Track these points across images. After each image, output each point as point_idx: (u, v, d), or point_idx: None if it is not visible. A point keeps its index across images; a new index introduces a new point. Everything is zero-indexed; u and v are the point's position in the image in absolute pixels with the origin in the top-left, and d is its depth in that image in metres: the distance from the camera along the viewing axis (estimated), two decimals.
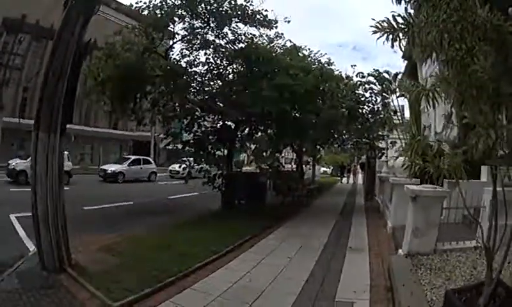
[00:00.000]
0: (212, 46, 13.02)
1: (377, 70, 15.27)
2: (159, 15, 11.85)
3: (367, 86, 15.25)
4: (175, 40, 13.34)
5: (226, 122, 14.18)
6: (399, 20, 2.82)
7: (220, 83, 14.14)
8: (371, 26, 3.23)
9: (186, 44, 13.40)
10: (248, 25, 12.50)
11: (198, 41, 13.04)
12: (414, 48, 2.90)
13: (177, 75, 12.74)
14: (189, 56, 13.65)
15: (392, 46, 2.90)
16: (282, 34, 13.96)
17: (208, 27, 12.47)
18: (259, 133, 15.83)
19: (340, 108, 14.56)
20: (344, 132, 18.23)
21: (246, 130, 15.22)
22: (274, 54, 13.06)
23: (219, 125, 14.47)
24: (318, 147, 24.36)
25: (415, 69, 20.57)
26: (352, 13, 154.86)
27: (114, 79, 11.73)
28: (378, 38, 3.33)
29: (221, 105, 13.40)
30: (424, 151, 3.35)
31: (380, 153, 20.89)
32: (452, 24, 2.51)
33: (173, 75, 12.62)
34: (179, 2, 11.73)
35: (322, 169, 51.80)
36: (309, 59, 14.98)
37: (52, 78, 5.68)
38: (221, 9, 11.76)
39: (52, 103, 5.64)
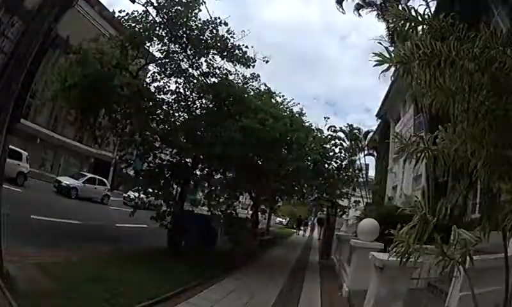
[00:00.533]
0: (184, 74, 12.52)
1: (351, 125, 15.30)
2: (138, 30, 11.40)
3: (337, 141, 15.09)
4: (148, 61, 12.81)
5: (184, 159, 13.27)
6: (420, 46, 2.30)
7: (186, 116, 13.44)
8: (374, 54, 2.72)
9: (159, 68, 12.85)
10: (224, 60, 12.19)
11: (172, 67, 12.53)
12: (430, 89, 2.39)
13: (143, 99, 12.04)
14: (159, 81, 13.06)
15: (406, 76, 2.39)
16: (258, 75, 13.72)
17: (184, 54, 12.03)
18: (218, 175, 14.98)
19: (306, 161, 14.21)
20: (306, 185, 17.78)
21: (205, 170, 14.24)
22: (246, 95, 12.66)
23: (175, 159, 13.31)
24: (277, 198, 23.85)
25: (388, 128, 20.96)
26: (330, 67, 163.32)
27: (80, 88, 10.90)
28: (382, 72, 2.84)
29: (183, 140, 12.60)
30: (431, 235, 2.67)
31: (342, 211, 20.51)
32: (483, 63, 2.05)
33: (139, 98, 11.93)
34: (160, 20, 11.26)
35: (278, 219, 51.79)
36: (281, 106, 14.73)
37: (13, 65, 5.40)
38: (201, 37, 11.45)
39: (6, 94, 5.30)
